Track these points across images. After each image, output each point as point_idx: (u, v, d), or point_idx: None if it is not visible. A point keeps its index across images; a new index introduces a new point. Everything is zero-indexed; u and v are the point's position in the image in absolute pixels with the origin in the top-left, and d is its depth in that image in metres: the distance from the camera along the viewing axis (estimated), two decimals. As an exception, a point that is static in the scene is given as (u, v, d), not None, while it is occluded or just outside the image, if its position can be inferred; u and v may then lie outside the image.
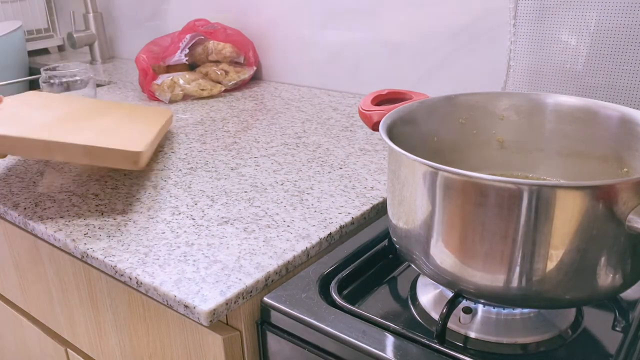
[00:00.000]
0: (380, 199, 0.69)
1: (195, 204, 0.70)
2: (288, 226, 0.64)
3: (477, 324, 0.50)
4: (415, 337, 0.47)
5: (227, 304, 0.52)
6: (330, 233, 0.62)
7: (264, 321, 0.55)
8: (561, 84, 0.87)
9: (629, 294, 0.53)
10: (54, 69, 1.09)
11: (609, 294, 0.45)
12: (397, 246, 0.53)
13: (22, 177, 0.79)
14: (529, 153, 0.61)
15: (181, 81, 1.16)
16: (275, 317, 0.53)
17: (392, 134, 0.51)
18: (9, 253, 0.79)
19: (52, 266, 0.71)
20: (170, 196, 0.72)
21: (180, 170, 0.80)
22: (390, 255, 0.62)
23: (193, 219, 0.66)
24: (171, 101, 1.15)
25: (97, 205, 0.70)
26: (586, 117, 0.57)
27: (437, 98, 0.60)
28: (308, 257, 0.60)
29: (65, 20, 1.76)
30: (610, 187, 0.41)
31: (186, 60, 1.22)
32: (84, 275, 0.66)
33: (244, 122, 1.02)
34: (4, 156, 0.78)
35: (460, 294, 0.48)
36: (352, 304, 0.52)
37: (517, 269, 0.43)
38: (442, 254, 0.46)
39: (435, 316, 0.51)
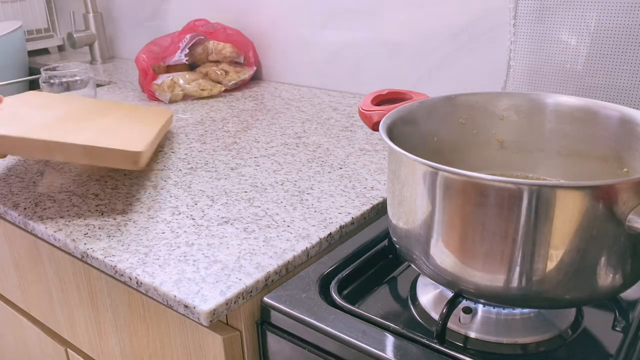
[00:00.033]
0: (380, 199, 0.69)
1: (195, 204, 0.70)
2: (288, 226, 0.64)
3: (477, 324, 0.50)
4: (415, 337, 0.47)
5: (227, 304, 0.52)
6: (330, 233, 0.62)
7: (264, 321, 0.55)
8: (561, 84, 0.87)
9: (629, 294, 0.53)
10: (54, 69, 1.09)
11: (609, 294, 0.45)
12: (397, 246, 0.53)
13: (22, 177, 0.79)
14: (529, 153, 0.61)
15: (181, 81, 1.16)
16: (275, 317, 0.53)
17: (392, 134, 0.51)
18: (9, 253, 0.79)
19: (52, 266, 0.71)
20: (170, 196, 0.72)
21: (180, 170, 0.80)
22: (390, 255, 0.62)
23: (193, 219, 0.66)
24: (171, 101, 1.15)
25: (97, 205, 0.70)
26: (586, 117, 0.57)
27: (437, 98, 0.60)
28: (308, 257, 0.60)
29: (65, 20, 1.76)
30: (610, 187, 0.41)
31: (186, 60, 1.22)
32: (84, 275, 0.67)
33: (244, 122, 1.02)
34: (4, 156, 0.78)
35: (460, 294, 0.48)
36: (352, 304, 0.52)
37: (517, 269, 0.43)
38: (442, 254, 0.46)
39: (435, 316, 0.51)
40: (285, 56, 1.26)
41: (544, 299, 0.45)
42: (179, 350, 0.59)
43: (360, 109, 0.62)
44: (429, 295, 0.54)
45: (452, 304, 0.48)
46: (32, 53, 1.68)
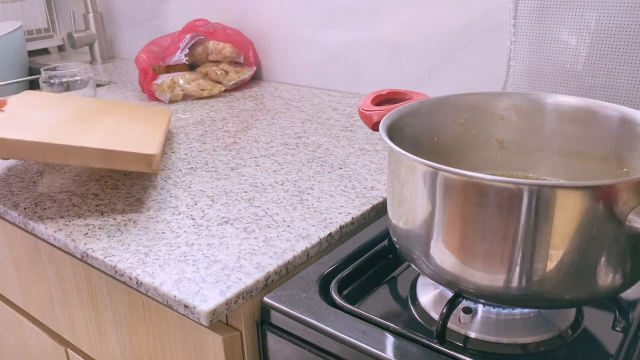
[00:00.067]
0: (380, 199, 0.69)
1: (195, 204, 0.70)
2: (288, 226, 0.64)
3: (477, 324, 0.50)
4: (415, 337, 0.47)
5: (227, 304, 0.52)
6: (330, 233, 0.62)
7: (264, 321, 0.55)
8: (561, 84, 0.87)
9: (629, 294, 0.53)
10: (54, 69, 1.09)
11: (609, 294, 0.45)
12: (397, 246, 0.53)
13: (22, 177, 0.79)
14: (529, 153, 0.61)
15: (181, 81, 1.16)
16: (275, 317, 0.53)
17: (392, 134, 0.51)
18: (9, 253, 0.79)
19: (52, 266, 0.71)
20: (170, 196, 0.72)
21: (180, 170, 0.80)
22: (390, 255, 0.62)
23: (193, 219, 0.66)
24: (171, 101, 1.15)
25: (97, 205, 0.70)
26: (586, 117, 0.57)
27: (437, 98, 0.60)
28: (308, 257, 0.60)
29: (65, 20, 1.76)
30: (610, 187, 0.41)
31: (186, 60, 1.22)
32: (84, 275, 0.67)
33: (244, 122, 1.02)
34: (6, 158, 0.78)
35: (460, 294, 0.48)
36: (352, 304, 0.52)
37: (517, 269, 0.43)
38: (442, 254, 0.46)
39: (435, 316, 0.51)
40: (285, 56, 1.26)
41: (544, 299, 0.45)
42: (179, 350, 0.59)
43: (360, 109, 0.62)
44: (429, 295, 0.54)
45: (452, 304, 0.48)
46: (32, 53, 1.68)
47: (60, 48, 1.82)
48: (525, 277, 0.43)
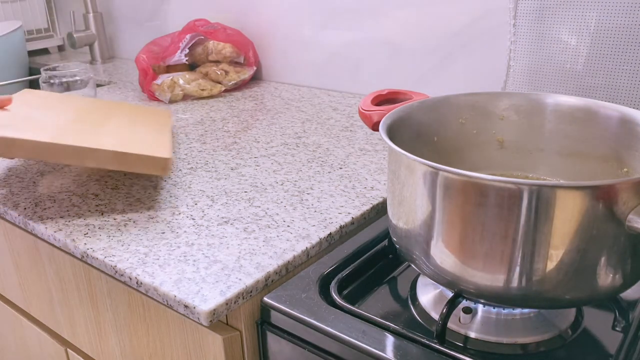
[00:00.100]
0: (380, 199, 0.69)
1: (195, 204, 0.70)
2: (288, 226, 0.64)
3: (477, 324, 0.50)
4: (415, 337, 0.47)
5: (227, 304, 0.52)
6: (330, 233, 0.62)
7: (264, 321, 0.55)
8: (561, 84, 0.87)
9: (629, 294, 0.53)
10: (54, 69, 1.09)
11: (609, 294, 0.45)
12: (397, 246, 0.53)
13: (22, 177, 0.79)
14: (529, 153, 0.61)
15: (181, 81, 1.16)
16: (275, 317, 0.53)
17: (392, 134, 0.51)
18: (9, 253, 0.79)
19: (52, 266, 0.71)
20: (170, 196, 0.72)
21: (180, 170, 0.80)
22: (390, 255, 0.62)
23: (193, 219, 0.66)
24: (171, 101, 1.15)
25: (97, 205, 0.70)
26: (586, 117, 0.57)
27: (437, 98, 0.60)
28: (308, 257, 0.60)
29: (65, 20, 1.76)
30: (610, 187, 0.41)
31: (186, 60, 1.22)
32: (84, 275, 0.67)
33: (244, 122, 1.02)
34: (11, 157, 0.78)
35: (460, 294, 0.48)
36: (352, 304, 0.52)
37: (517, 269, 0.43)
38: (442, 254, 0.46)
39: (435, 316, 0.51)
40: (285, 56, 1.26)
41: (544, 299, 0.45)
42: (179, 350, 0.59)
43: (360, 109, 0.62)
44: (429, 295, 0.54)
45: (452, 304, 0.48)
46: (32, 53, 1.68)
47: (60, 48, 1.82)
48: (525, 277, 0.43)
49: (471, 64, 0.98)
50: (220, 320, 0.56)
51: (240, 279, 0.54)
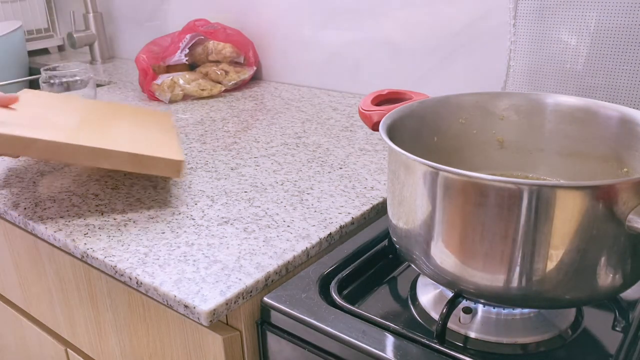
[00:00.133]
0: (380, 199, 0.69)
1: (195, 204, 0.70)
2: (288, 226, 0.64)
3: (477, 324, 0.50)
4: (415, 337, 0.47)
5: (227, 304, 0.52)
6: (330, 233, 0.62)
7: (264, 321, 0.55)
8: (561, 84, 0.87)
9: (629, 294, 0.53)
10: (54, 69, 1.09)
11: (609, 294, 0.45)
12: (397, 246, 0.53)
13: (22, 177, 0.79)
14: (529, 153, 0.61)
15: (181, 81, 1.16)
16: (275, 317, 0.53)
17: (392, 134, 0.51)
18: (9, 253, 0.79)
19: (52, 266, 0.71)
20: (170, 196, 0.72)
21: (180, 170, 0.80)
22: (390, 255, 0.62)
23: (193, 219, 0.66)
24: (171, 101, 1.15)
25: (97, 205, 0.70)
26: (586, 117, 0.57)
27: (437, 98, 0.60)
28: (308, 257, 0.60)
29: (65, 20, 1.76)
30: (610, 187, 0.41)
31: (186, 60, 1.22)
32: (84, 275, 0.67)
33: (244, 122, 1.02)
34: (17, 156, 0.77)
35: (460, 294, 0.48)
36: (352, 304, 0.52)
37: (517, 269, 0.43)
38: (442, 254, 0.46)
39: (435, 316, 0.51)
40: (285, 56, 1.26)
41: (544, 299, 0.45)
42: (179, 350, 0.59)
43: (360, 109, 0.62)
44: (429, 295, 0.54)
45: (452, 304, 0.48)
46: (32, 53, 1.68)
47: (60, 48, 1.82)
48: (525, 277, 0.43)
49: (471, 64, 0.98)
50: (220, 320, 0.56)
51: (240, 279, 0.54)
